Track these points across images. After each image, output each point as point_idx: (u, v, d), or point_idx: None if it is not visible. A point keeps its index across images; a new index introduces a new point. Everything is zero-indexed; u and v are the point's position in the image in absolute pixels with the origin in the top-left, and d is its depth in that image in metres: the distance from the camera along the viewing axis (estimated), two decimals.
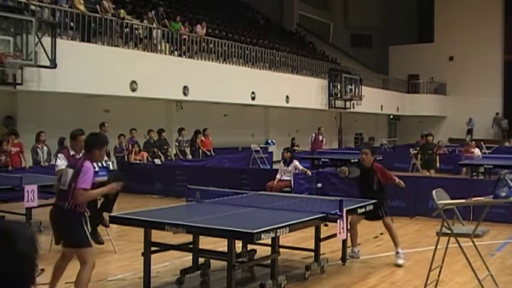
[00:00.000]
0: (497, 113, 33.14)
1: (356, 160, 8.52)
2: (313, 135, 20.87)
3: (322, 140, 20.96)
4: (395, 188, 9.90)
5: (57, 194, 5.35)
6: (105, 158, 8.69)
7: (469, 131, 31.41)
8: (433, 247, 5.58)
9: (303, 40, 32.28)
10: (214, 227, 5.19)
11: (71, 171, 5.15)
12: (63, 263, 5.33)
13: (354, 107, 26.02)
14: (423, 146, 16.25)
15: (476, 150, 17.98)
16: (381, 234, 9.09)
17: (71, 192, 5.02)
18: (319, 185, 11.70)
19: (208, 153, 17.89)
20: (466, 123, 32.13)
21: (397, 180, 7.35)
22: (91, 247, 5.13)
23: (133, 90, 15.57)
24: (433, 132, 30.20)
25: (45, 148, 13.68)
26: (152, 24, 17.39)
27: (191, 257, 6.32)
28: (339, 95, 25.00)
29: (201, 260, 6.29)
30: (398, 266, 6.90)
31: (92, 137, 5.46)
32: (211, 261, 6.29)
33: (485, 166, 15.20)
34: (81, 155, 7.65)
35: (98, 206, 7.53)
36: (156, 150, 16.33)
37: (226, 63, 19.81)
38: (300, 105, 22.96)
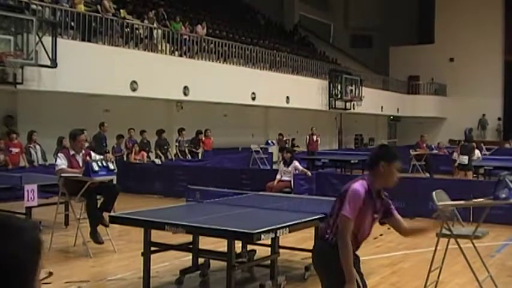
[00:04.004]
0: (483, 115, 33.19)
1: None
2: (307, 136, 20.89)
3: (317, 140, 20.97)
4: (395, 189, 9.71)
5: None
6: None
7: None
8: (433, 248, 5.58)
9: (303, 40, 32.28)
10: (214, 227, 5.18)
11: None
12: None
13: (354, 108, 26.01)
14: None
15: (476, 152, 17.95)
16: (381, 235, 9.10)
17: (334, 220, 3.54)
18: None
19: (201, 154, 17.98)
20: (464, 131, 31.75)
21: None
22: None
23: (134, 90, 15.57)
24: (433, 133, 30.56)
25: (37, 147, 13.69)
26: (153, 24, 17.40)
27: (191, 257, 6.32)
28: (339, 96, 24.99)
29: (200, 260, 6.29)
30: None
31: (379, 149, 3.76)
32: (211, 261, 6.29)
33: (485, 167, 15.19)
34: (81, 154, 7.70)
35: (98, 205, 7.54)
36: (148, 149, 16.32)
37: (226, 63, 19.81)
38: (300, 106, 22.95)
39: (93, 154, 7.89)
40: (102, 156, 7.93)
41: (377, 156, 3.59)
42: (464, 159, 14.11)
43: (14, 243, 1.23)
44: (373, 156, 3.63)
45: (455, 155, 14.99)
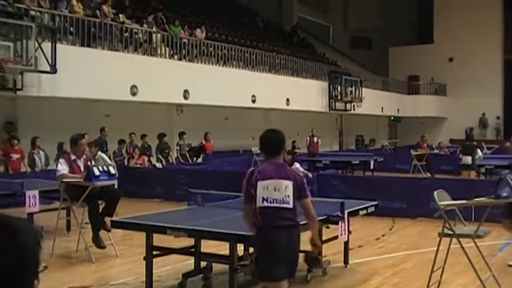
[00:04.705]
0: (483, 114, 33.26)
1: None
2: (308, 138, 20.92)
3: (317, 142, 21.00)
4: (397, 189, 9.87)
5: (272, 215, 4.25)
6: (108, 161, 8.71)
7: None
8: (435, 248, 5.58)
9: (303, 42, 32.31)
10: (216, 231, 5.19)
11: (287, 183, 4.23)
12: None
13: (354, 109, 26.01)
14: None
15: (478, 151, 17.92)
16: (383, 236, 9.10)
17: (295, 209, 4.20)
18: None
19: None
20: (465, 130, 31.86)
21: None
22: None
23: (134, 94, 15.59)
24: (433, 133, 30.54)
25: (41, 153, 13.69)
26: (152, 28, 17.42)
27: (193, 260, 6.31)
28: (339, 97, 25.00)
29: (203, 264, 6.29)
30: None
31: (272, 135, 4.39)
32: (213, 264, 6.29)
33: (486, 166, 15.17)
34: (82, 159, 7.70)
35: (100, 210, 7.54)
36: (149, 154, 16.34)
37: (226, 66, 19.81)
38: (300, 108, 22.96)
39: (103, 155, 7.91)
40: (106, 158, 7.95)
41: (283, 141, 4.35)
42: (468, 159, 14.10)
43: (25, 237, 1.34)
44: (281, 141, 4.34)
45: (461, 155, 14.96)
